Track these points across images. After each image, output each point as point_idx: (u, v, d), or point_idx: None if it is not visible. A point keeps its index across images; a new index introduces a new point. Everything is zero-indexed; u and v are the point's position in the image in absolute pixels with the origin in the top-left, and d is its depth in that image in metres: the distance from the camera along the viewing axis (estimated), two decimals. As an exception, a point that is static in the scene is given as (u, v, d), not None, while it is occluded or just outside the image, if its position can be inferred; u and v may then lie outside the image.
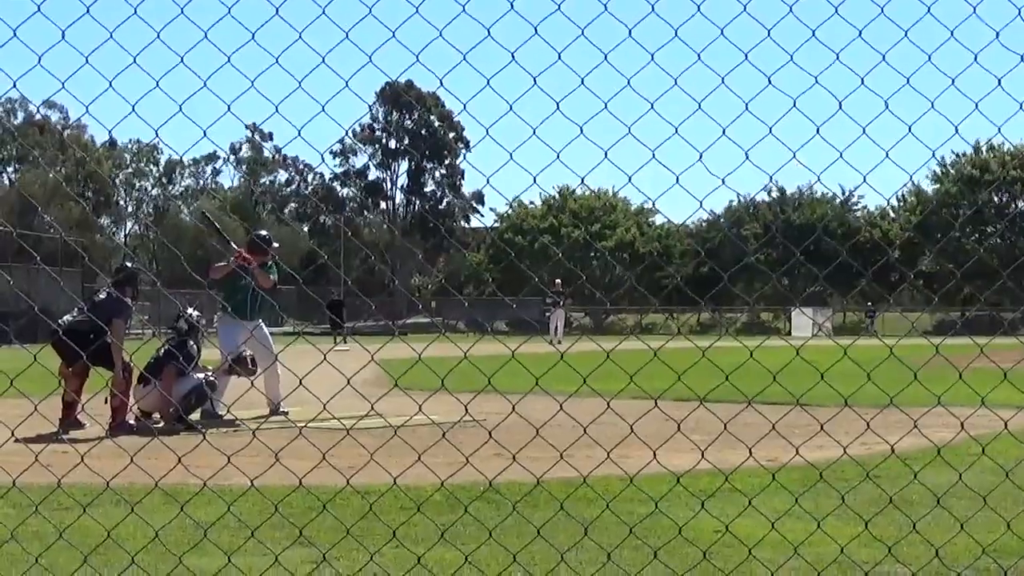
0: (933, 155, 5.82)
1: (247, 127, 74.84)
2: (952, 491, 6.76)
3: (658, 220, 70.95)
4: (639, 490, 6.76)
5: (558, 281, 42.34)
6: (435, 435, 6.17)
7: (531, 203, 72.53)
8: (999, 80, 4.98)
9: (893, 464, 8.00)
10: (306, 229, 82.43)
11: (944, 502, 6.33)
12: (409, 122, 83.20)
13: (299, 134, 4.66)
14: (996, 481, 6.96)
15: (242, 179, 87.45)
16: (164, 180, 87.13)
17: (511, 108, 4.52)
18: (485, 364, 5.49)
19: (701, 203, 4.89)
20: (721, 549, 6.06)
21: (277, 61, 4.40)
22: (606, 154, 4.66)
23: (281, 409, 13.28)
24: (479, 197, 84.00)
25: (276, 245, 14.16)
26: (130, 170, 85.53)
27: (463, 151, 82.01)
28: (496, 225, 74.28)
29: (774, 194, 68.82)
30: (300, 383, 4.92)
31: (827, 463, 7.57)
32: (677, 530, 5.92)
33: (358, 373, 5.21)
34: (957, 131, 5.16)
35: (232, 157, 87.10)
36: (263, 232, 14.57)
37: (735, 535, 5.90)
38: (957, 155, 66.25)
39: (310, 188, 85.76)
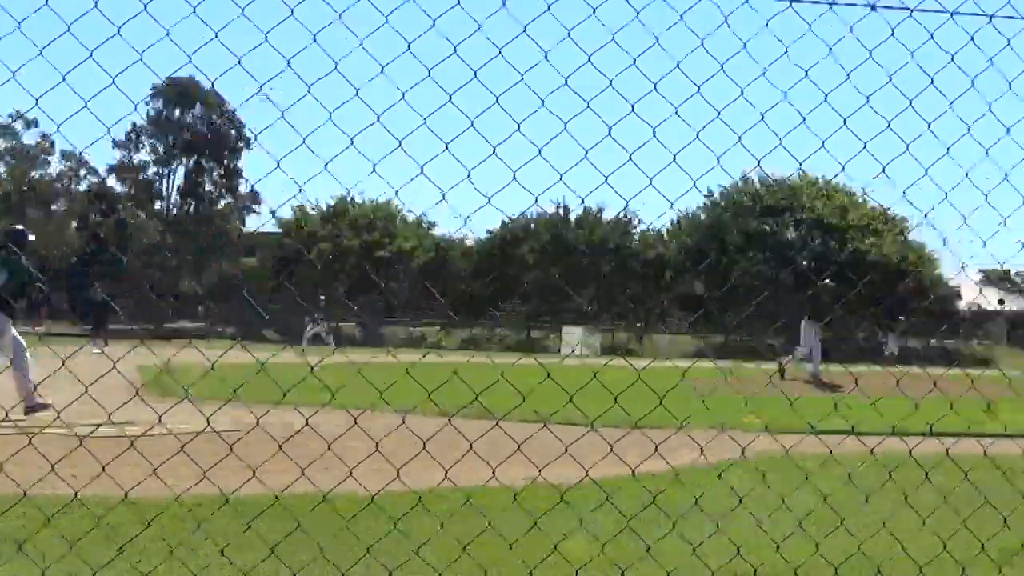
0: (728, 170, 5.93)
1: (10, 116, 71.69)
2: (687, 513, 6.93)
3: (437, 232, 70.68)
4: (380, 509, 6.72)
5: (323, 297, 42.15)
6: (173, 446, 5.99)
7: (314, 208, 70.92)
8: (803, 118, 5.02)
9: (631, 485, 8.18)
10: (75, 227, 79.52)
11: (679, 524, 6.49)
12: (190, 118, 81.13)
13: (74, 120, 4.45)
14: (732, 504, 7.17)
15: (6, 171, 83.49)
16: None
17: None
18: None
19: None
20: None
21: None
22: (422, 168, 4.56)
23: (42, 401, 12.74)
24: (255, 197, 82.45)
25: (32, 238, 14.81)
26: None
27: (244, 149, 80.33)
28: (277, 231, 72.71)
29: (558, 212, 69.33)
30: (39, 382, 4.71)
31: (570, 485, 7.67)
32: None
33: (103, 377, 5.01)
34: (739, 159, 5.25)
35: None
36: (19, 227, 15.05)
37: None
38: (732, 180, 68.04)
39: (85, 184, 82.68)
